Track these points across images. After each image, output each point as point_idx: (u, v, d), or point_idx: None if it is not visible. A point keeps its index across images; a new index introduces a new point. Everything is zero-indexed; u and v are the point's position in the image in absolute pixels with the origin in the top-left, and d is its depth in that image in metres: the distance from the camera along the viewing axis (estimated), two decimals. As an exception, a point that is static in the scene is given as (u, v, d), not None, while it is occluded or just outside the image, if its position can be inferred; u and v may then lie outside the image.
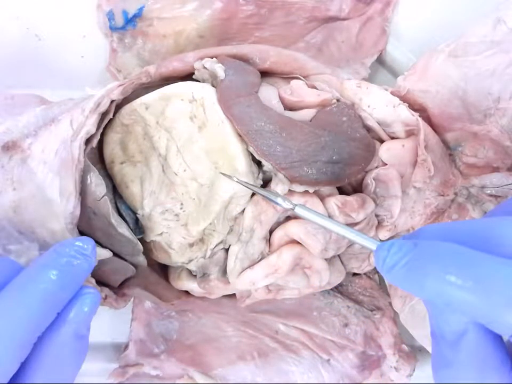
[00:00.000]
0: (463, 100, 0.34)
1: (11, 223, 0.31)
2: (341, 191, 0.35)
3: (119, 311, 0.36)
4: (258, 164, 0.32)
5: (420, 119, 0.33)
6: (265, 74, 0.35)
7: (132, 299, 0.40)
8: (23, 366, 0.23)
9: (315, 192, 0.32)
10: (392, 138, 0.34)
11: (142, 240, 0.35)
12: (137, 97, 0.33)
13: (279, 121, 0.31)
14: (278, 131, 0.31)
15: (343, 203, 0.32)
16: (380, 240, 0.34)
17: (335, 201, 0.32)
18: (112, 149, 0.34)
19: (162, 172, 0.33)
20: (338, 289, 0.41)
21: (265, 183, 0.32)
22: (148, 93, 0.33)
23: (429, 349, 0.37)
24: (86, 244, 0.26)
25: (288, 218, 0.33)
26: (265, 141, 0.30)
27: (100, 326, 0.41)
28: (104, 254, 0.31)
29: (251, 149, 0.31)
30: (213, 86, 0.32)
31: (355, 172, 0.32)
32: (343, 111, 0.33)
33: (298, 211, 0.29)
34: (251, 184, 0.31)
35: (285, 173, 0.30)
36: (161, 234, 0.34)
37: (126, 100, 0.34)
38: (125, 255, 0.34)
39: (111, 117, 0.33)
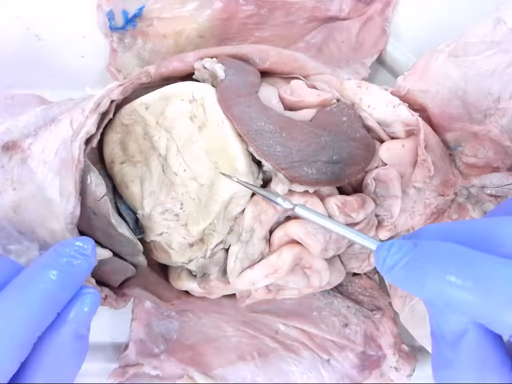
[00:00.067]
0: (463, 100, 0.34)
1: (11, 223, 0.31)
2: (341, 191, 0.35)
3: (119, 311, 0.36)
4: (258, 164, 0.32)
5: (419, 119, 0.33)
6: (265, 74, 0.35)
7: (132, 299, 0.40)
8: (23, 366, 0.23)
9: (315, 192, 0.32)
10: (392, 138, 0.34)
11: (142, 240, 0.35)
12: (137, 97, 0.33)
13: (279, 121, 0.31)
14: (278, 131, 0.31)
15: (343, 203, 0.32)
16: (380, 240, 0.34)
17: (335, 201, 0.32)
18: (112, 149, 0.34)
19: (162, 172, 0.33)
20: (338, 289, 0.41)
21: (265, 183, 0.32)
22: (147, 93, 0.33)
23: (429, 349, 0.37)
24: (86, 244, 0.26)
25: (288, 218, 0.33)
26: (265, 141, 0.30)
27: (100, 326, 0.41)
28: (104, 254, 0.31)
29: (251, 149, 0.31)
30: (213, 86, 0.32)
31: (355, 172, 0.32)
32: (343, 111, 0.33)
33: (298, 211, 0.29)
34: (251, 184, 0.31)
35: (285, 173, 0.30)
36: (161, 234, 0.34)
37: (126, 100, 0.34)
38: (125, 255, 0.34)
39: (111, 117, 0.33)
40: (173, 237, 0.34)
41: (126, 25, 0.39)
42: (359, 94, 0.34)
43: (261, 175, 0.32)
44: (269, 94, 0.33)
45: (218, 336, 0.40)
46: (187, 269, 0.36)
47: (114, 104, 0.33)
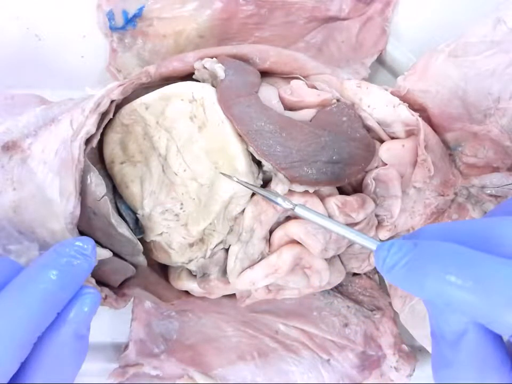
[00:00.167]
0: (463, 100, 0.34)
1: (11, 223, 0.31)
2: (341, 191, 0.35)
3: (119, 311, 0.36)
4: (258, 164, 0.32)
5: (419, 119, 0.33)
6: (265, 74, 0.35)
7: (132, 299, 0.40)
8: (23, 366, 0.23)
9: (315, 192, 0.32)
10: (392, 138, 0.34)
11: (142, 240, 0.35)
12: (137, 97, 0.33)
13: (279, 121, 0.31)
14: (278, 131, 0.31)
15: (343, 203, 0.32)
16: (380, 240, 0.34)
17: (335, 201, 0.32)
18: (112, 149, 0.34)
19: (162, 172, 0.33)
20: (338, 289, 0.41)
21: (265, 183, 0.32)
22: (147, 93, 0.33)
23: (429, 349, 0.37)
24: (86, 244, 0.26)
25: (288, 218, 0.33)
26: (265, 141, 0.30)
27: (100, 326, 0.41)
28: (104, 254, 0.31)
29: (251, 149, 0.31)
30: (213, 86, 0.32)
31: (355, 172, 0.32)
32: (343, 111, 0.33)
33: (298, 211, 0.29)
34: (251, 184, 0.31)
35: (285, 173, 0.30)
36: (161, 234, 0.34)
37: (126, 100, 0.34)
38: (125, 255, 0.34)
39: (111, 117, 0.33)
40: (173, 237, 0.34)
41: (126, 25, 0.39)
42: (359, 94, 0.34)
43: (261, 175, 0.32)
44: (269, 94, 0.33)
45: (218, 336, 0.40)
46: (187, 269, 0.36)
47: (114, 104, 0.33)
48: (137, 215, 0.34)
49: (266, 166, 0.31)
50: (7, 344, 0.22)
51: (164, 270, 0.39)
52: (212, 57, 0.33)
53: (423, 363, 0.40)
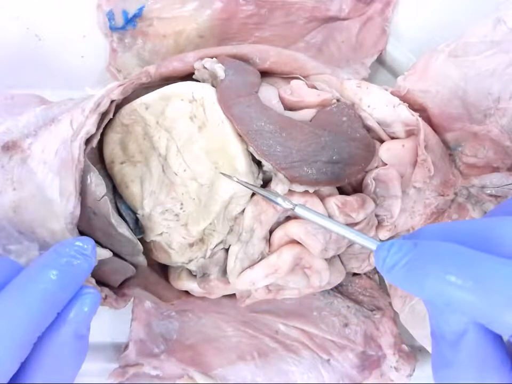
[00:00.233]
0: (463, 100, 0.34)
1: (11, 223, 0.31)
2: (341, 191, 0.35)
3: (119, 311, 0.36)
4: (258, 164, 0.32)
5: (420, 119, 0.33)
6: (265, 74, 0.35)
7: (132, 299, 0.40)
8: (23, 366, 0.23)
9: (315, 192, 0.32)
10: (392, 138, 0.34)
11: (142, 240, 0.35)
12: (137, 97, 0.33)
13: (279, 121, 0.31)
14: (278, 131, 0.31)
15: (343, 203, 0.32)
16: (380, 240, 0.34)
17: (335, 201, 0.32)
18: (112, 149, 0.34)
19: (162, 172, 0.33)
20: (338, 289, 0.41)
21: (265, 183, 0.32)
22: (147, 93, 0.33)
23: (429, 349, 0.37)
24: (86, 244, 0.26)
25: (288, 218, 0.33)
26: (265, 141, 0.30)
27: (100, 326, 0.41)
28: (104, 254, 0.31)
29: (251, 149, 0.31)
30: (213, 86, 0.32)
31: (355, 172, 0.32)
32: (343, 111, 0.33)
33: (298, 211, 0.29)
34: (251, 184, 0.31)
35: (285, 173, 0.30)
36: (161, 234, 0.34)
37: (126, 100, 0.34)
38: (125, 255, 0.34)
39: (111, 117, 0.33)
40: (173, 237, 0.34)
41: (126, 25, 0.39)
42: (359, 94, 0.34)
43: (261, 175, 0.32)
44: (269, 94, 0.33)
45: (218, 336, 0.40)
46: (187, 269, 0.36)
47: (114, 104, 0.33)
48: (137, 215, 0.34)
49: (266, 166, 0.31)
50: (7, 344, 0.22)
51: (164, 270, 0.39)
52: (212, 57, 0.33)
53: (423, 363, 0.40)
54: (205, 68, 0.33)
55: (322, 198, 0.32)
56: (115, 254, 0.33)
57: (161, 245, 0.35)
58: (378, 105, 0.34)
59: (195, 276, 0.35)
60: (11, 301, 0.23)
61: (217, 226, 0.32)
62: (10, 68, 0.41)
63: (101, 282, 0.34)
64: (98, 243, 0.32)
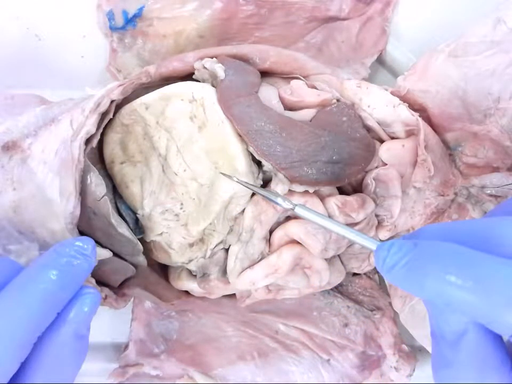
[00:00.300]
0: (463, 100, 0.34)
1: (11, 223, 0.31)
2: (341, 191, 0.35)
3: (119, 311, 0.36)
4: (258, 164, 0.32)
5: (420, 119, 0.33)
6: (265, 74, 0.35)
7: (132, 299, 0.40)
8: (23, 366, 0.23)
9: (315, 192, 0.32)
10: (392, 138, 0.34)
11: (142, 240, 0.35)
12: (137, 97, 0.33)
13: (279, 121, 0.31)
14: (278, 131, 0.31)
15: (343, 203, 0.32)
16: (380, 240, 0.34)
17: (335, 201, 0.32)
18: (112, 149, 0.34)
19: (162, 172, 0.33)
20: (338, 289, 0.41)
21: (265, 183, 0.32)
22: (147, 93, 0.33)
23: (429, 349, 0.37)
24: (86, 244, 0.26)
25: (288, 218, 0.33)
26: (265, 141, 0.30)
27: (100, 326, 0.41)
28: (104, 254, 0.31)
29: (251, 149, 0.31)
30: (213, 86, 0.32)
31: (355, 172, 0.32)
32: (343, 111, 0.33)
33: (298, 211, 0.29)
34: (251, 184, 0.31)
35: (285, 173, 0.30)
36: (161, 234, 0.34)
37: (126, 100, 0.34)
38: (125, 255, 0.34)
39: (111, 117, 0.33)
40: (173, 237, 0.34)
41: (126, 25, 0.39)
42: (359, 94, 0.34)
43: (261, 175, 0.32)
44: (269, 94, 0.33)
45: (218, 336, 0.40)
46: (187, 269, 0.36)
47: (114, 104, 0.33)
48: (137, 215, 0.34)
49: (266, 166, 0.31)
50: (7, 344, 0.22)
51: (164, 270, 0.39)
52: (212, 57, 0.33)
53: (423, 363, 0.40)
54: (205, 68, 0.33)
55: (322, 198, 0.32)
56: (115, 254, 0.33)
57: (161, 245, 0.35)
58: (378, 105, 0.34)
59: (195, 276, 0.35)
60: (11, 301, 0.23)
61: (217, 226, 0.32)
62: (10, 67, 0.41)
63: (101, 282, 0.34)
64: (98, 243, 0.32)
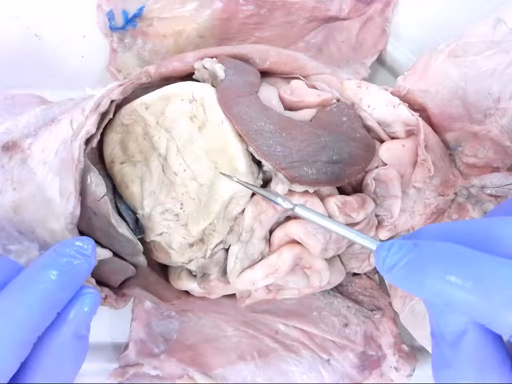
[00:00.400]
0: (463, 100, 0.34)
1: (11, 223, 0.31)
2: (341, 191, 0.35)
3: (119, 311, 0.36)
4: (258, 164, 0.32)
5: (420, 119, 0.33)
6: (265, 74, 0.35)
7: (132, 299, 0.40)
8: (23, 366, 0.23)
9: (315, 192, 0.32)
10: (392, 138, 0.34)
11: (142, 240, 0.35)
12: (137, 97, 0.33)
13: (279, 121, 0.31)
14: (278, 131, 0.31)
15: (343, 203, 0.32)
16: (380, 240, 0.34)
17: (335, 201, 0.32)
18: (112, 149, 0.34)
19: (162, 172, 0.33)
20: (338, 289, 0.41)
21: (265, 183, 0.32)
22: (147, 93, 0.33)
23: (429, 349, 0.37)
24: (86, 244, 0.26)
25: (288, 218, 0.33)
26: (265, 141, 0.30)
27: (100, 326, 0.40)
28: (104, 254, 0.31)
29: (251, 149, 0.31)
30: (213, 86, 0.32)
31: (355, 172, 0.32)
32: (343, 111, 0.33)
33: (298, 211, 0.29)
34: (251, 184, 0.31)
35: (285, 173, 0.30)
36: (161, 234, 0.34)
37: (126, 100, 0.34)
38: (125, 255, 0.34)
39: (111, 117, 0.33)
40: (173, 237, 0.34)
41: (126, 25, 0.39)
42: (359, 94, 0.34)
43: (261, 175, 0.32)
44: (269, 94, 0.33)
45: (218, 336, 0.40)
46: (187, 269, 0.36)
47: (114, 104, 0.33)
48: (137, 215, 0.34)
49: (266, 166, 0.31)
50: (7, 344, 0.22)
51: (164, 270, 0.39)
52: (211, 57, 0.33)
53: (423, 363, 0.40)
54: (205, 67, 0.33)
55: (322, 198, 0.32)
56: (115, 254, 0.33)
57: (161, 245, 0.35)
58: (378, 105, 0.34)
59: (195, 276, 0.35)
60: (11, 301, 0.23)
61: (217, 226, 0.32)
62: (10, 67, 0.41)
63: (101, 282, 0.34)
64: (98, 243, 0.32)
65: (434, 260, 0.20)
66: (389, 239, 0.35)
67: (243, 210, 0.32)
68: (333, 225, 0.27)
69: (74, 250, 0.25)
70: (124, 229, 0.32)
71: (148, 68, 0.34)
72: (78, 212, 0.31)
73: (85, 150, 0.31)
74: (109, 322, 0.42)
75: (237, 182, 0.30)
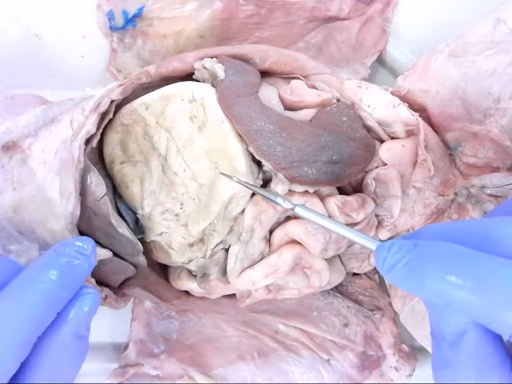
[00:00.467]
0: (463, 100, 0.34)
1: (11, 223, 0.31)
2: (341, 191, 0.35)
3: (119, 311, 0.36)
4: (258, 164, 0.32)
5: (420, 119, 0.33)
6: (265, 74, 0.35)
7: (132, 299, 0.40)
8: (23, 366, 0.23)
9: (315, 192, 0.32)
10: (392, 138, 0.34)
11: (142, 240, 0.35)
12: (137, 97, 0.33)
13: (279, 121, 0.31)
14: (278, 131, 0.31)
15: (343, 203, 0.32)
16: (380, 240, 0.34)
17: (335, 201, 0.32)
18: (112, 149, 0.34)
19: (162, 172, 0.33)
20: (338, 289, 0.41)
21: (265, 183, 0.32)
22: (147, 93, 0.33)
23: (429, 349, 0.37)
24: (86, 244, 0.26)
25: (288, 218, 0.33)
26: (265, 141, 0.30)
27: (100, 326, 0.40)
28: (104, 254, 0.31)
29: (251, 149, 0.31)
30: (213, 86, 0.32)
31: (355, 172, 0.32)
32: (343, 111, 0.33)
33: (298, 211, 0.29)
34: (251, 184, 0.31)
35: (285, 173, 0.30)
36: (161, 234, 0.34)
37: (126, 100, 0.34)
38: (125, 255, 0.34)
39: (111, 117, 0.33)
40: (173, 237, 0.34)
41: (126, 25, 0.39)
42: (359, 94, 0.34)
43: (261, 175, 0.32)
44: (269, 94, 0.33)
45: (218, 336, 0.40)
46: (187, 269, 0.36)
47: (114, 104, 0.33)
48: (137, 215, 0.34)
49: (266, 166, 0.31)
50: (7, 344, 0.22)
51: (164, 270, 0.39)
52: (211, 57, 0.33)
53: (423, 363, 0.40)
54: (205, 67, 0.33)
55: (322, 198, 0.32)
56: (115, 254, 0.33)
57: (161, 245, 0.35)
58: (378, 105, 0.34)
59: (195, 276, 0.35)
60: (11, 301, 0.23)
61: (217, 226, 0.32)
62: (10, 67, 0.41)
63: (101, 282, 0.34)
64: (98, 243, 0.32)
65: (434, 260, 0.20)
66: (389, 239, 0.35)
67: (243, 210, 0.32)
68: (333, 225, 0.27)
69: (74, 250, 0.25)
70: (124, 229, 0.32)
71: (148, 68, 0.34)
72: (78, 212, 0.31)
73: (85, 150, 0.31)
74: (109, 322, 0.42)
75: (237, 182, 0.30)
